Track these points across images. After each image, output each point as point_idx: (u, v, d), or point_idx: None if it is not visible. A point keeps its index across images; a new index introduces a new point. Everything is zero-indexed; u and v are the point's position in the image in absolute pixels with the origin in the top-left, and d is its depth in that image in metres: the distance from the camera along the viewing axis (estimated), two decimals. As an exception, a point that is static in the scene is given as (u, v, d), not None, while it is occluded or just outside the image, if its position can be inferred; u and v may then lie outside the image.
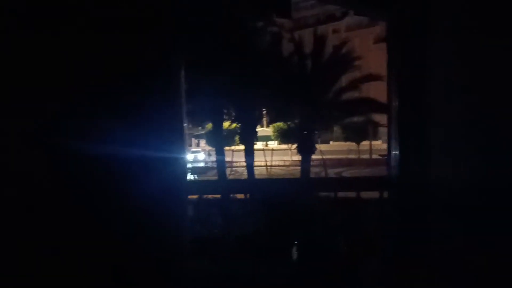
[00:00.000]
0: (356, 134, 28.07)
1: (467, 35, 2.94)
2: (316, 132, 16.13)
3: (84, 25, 1.83)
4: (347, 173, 28.22)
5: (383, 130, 34.48)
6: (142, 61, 1.92)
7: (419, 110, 3.39)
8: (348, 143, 31.00)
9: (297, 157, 29.06)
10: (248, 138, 15.20)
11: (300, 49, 14.81)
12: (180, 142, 2.11)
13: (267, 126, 29.79)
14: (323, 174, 22.00)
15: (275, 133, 29.88)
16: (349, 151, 31.06)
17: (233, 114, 15.89)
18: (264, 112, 17.74)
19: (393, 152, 3.66)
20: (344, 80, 15.89)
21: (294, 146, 28.61)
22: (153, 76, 1.93)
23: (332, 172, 25.67)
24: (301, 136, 15.09)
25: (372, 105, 14.97)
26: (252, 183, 4.31)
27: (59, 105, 1.86)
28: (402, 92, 3.41)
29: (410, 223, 3.32)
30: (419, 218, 3.25)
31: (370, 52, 31.67)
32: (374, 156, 30.26)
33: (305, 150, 15.11)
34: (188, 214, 2.13)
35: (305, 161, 15.45)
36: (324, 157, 18.09)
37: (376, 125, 26.93)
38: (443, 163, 3.25)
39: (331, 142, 33.44)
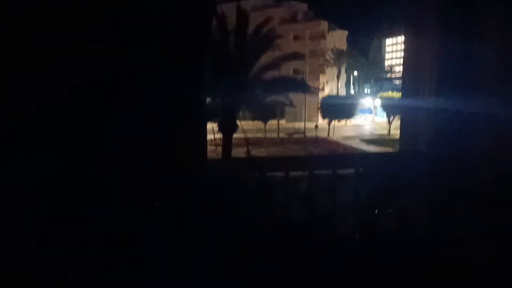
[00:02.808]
0: (265, 113, 28.48)
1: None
2: (238, 110, 15.92)
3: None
4: (255, 151, 28.64)
5: (288, 110, 35.51)
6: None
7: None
8: (255, 122, 31.41)
9: (209, 136, 28.64)
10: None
11: (223, 25, 14.36)
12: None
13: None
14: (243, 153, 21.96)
15: (186, 112, 29.12)
16: (257, 130, 31.55)
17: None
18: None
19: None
20: (263, 58, 15.84)
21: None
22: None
23: (241, 151, 25.82)
24: (223, 115, 14.75)
25: (294, 84, 15.17)
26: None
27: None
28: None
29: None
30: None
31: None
32: (281, 135, 31.16)
33: (228, 128, 14.85)
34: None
35: (227, 140, 15.18)
36: (246, 135, 17.97)
37: (284, 104, 27.56)
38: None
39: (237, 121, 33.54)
